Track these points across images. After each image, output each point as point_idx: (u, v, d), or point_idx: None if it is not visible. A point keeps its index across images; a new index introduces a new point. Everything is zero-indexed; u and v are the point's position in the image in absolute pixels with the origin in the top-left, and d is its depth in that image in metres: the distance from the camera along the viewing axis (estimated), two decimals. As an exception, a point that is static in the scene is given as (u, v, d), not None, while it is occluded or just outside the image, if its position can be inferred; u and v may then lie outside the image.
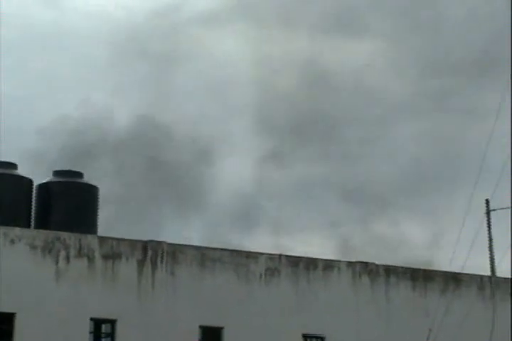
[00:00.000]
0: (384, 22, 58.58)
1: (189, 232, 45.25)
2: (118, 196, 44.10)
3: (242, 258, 35.94)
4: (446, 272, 38.69)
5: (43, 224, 35.66)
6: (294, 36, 57.46)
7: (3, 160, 36.93)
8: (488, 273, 34.33)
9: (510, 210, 33.65)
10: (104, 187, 38.63)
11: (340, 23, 58.19)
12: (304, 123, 53.68)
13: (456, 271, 38.22)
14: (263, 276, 36.09)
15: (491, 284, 35.80)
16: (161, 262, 34.67)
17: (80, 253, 33.52)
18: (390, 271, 38.25)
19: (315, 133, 54.51)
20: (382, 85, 58.12)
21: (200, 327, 34.74)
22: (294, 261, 36.84)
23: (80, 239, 33.67)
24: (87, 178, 37.87)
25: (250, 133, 53.65)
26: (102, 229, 37.27)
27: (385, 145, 56.04)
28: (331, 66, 55.41)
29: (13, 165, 36.87)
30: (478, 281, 38.96)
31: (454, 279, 38.83)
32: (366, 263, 38.04)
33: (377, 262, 38.58)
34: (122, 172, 46.75)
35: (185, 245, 35.64)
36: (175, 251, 34.99)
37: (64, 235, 33.51)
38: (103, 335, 33.74)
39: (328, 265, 37.38)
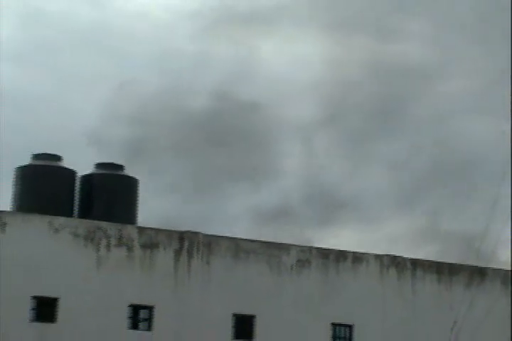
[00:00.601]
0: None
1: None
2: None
3: (274, 250, 35.85)
4: (471, 266, 38.53)
5: (85, 214, 35.97)
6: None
7: (48, 152, 37.26)
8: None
9: None
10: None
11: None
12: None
13: (481, 265, 38.13)
14: (294, 267, 36.00)
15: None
16: (197, 252, 34.77)
17: (119, 242, 33.74)
18: (416, 264, 38.22)
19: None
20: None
21: (234, 315, 34.84)
22: (324, 253, 36.66)
23: (120, 229, 33.92)
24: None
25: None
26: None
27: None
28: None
29: (58, 157, 37.15)
30: (502, 275, 38.38)
31: (478, 273, 38.40)
32: (394, 256, 37.93)
33: (404, 255, 38.26)
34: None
35: (220, 236, 35.68)
36: (210, 242, 35.07)
37: (105, 225, 33.74)
38: (141, 321, 33.83)
39: (357, 257, 37.28)
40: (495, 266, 38.41)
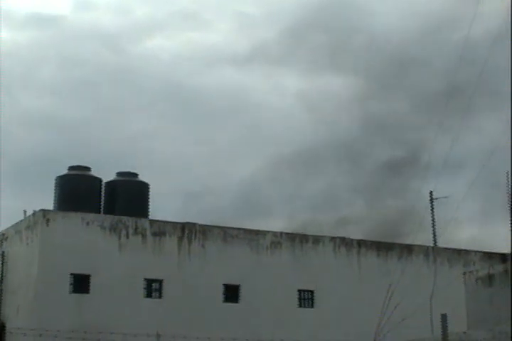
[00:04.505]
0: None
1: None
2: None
3: (253, 235, 35.77)
4: (401, 244, 38.20)
5: (109, 210, 35.93)
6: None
7: (79, 164, 37.10)
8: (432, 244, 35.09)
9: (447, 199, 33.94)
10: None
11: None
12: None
13: (409, 243, 37.84)
14: (269, 248, 35.94)
15: (433, 252, 36.59)
16: (195, 238, 34.73)
17: (136, 232, 33.77)
18: (361, 243, 37.81)
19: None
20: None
21: (223, 284, 34.67)
22: (292, 237, 36.60)
23: (136, 221, 33.96)
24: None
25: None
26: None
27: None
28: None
29: (88, 168, 36.97)
30: (424, 250, 37.78)
31: (407, 249, 38.27)
32: (344, 238, 37.67)
33: (351, 237, 38.05)
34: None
35: (213, 225, 35.50)
36: (205, 230, 34.99)
37: (124, 219, 33.83)
38: (153, 290, 33.65)
39: (316, 239, 36.99)
40: (420, 243, 37.76)
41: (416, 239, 34.65)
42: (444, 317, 18.26)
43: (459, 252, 39.40)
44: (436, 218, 32.69)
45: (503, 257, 38.04)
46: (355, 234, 39.45)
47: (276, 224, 43.28)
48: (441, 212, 34.20)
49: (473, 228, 43.94)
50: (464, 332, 19.94)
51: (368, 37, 49.25)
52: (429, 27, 46.18)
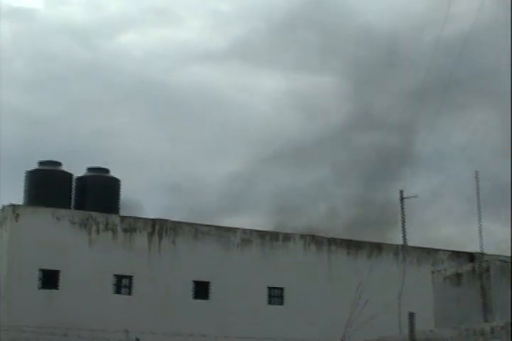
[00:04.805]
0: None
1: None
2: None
3: (223, 232, 35.84)
4: (371, 242, 38.43)
5: (79, 206, 35.86)
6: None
7: (51, 159, 36.84)
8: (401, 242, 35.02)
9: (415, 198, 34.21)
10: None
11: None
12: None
13: (379, 241, 38.49)
14: (239, 245, 35.92)
15: (402, 251, 37.10)
16: (166, 234, 34.66)
17: (106, 228, 33.74)
18: (331, 241, 37.83)
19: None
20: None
21: (193, 281, 34.72)
22: (262, 234, 36.64)
23: (106, 217, 33.92)
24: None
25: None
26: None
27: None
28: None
29: (58, 163, 36.83)
30: (394, 249, 38.22)
31: (377, 247, 38.48)
32: (314, 236, 37.67)
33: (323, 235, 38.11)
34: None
35: (184, 222, 35.47)
36: (176, 227, 34.98)
37: (95, 214, 33.75)
38: (123, 287, 33.75)
39: (287, 237, 37.03)
40: (389, 242, 38.62)
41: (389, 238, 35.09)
42: (411, 315, 18.45)
43: (428, 251, 39.57)
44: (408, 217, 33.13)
45: (471, 256, 38.54)
46: (333, 231, 39.65)
47: (247, 221, 43.36)
48: (415, 211, 34.61)
49: (444, 227, 44.51)
50: (431, 331, 20.16)
51: (347, 33, 49.31)
52: (413, 25, 46.08)
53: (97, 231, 33.58)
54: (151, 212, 37.56)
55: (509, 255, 34.73)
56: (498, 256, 32.39)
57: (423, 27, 43.12)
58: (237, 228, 36.59)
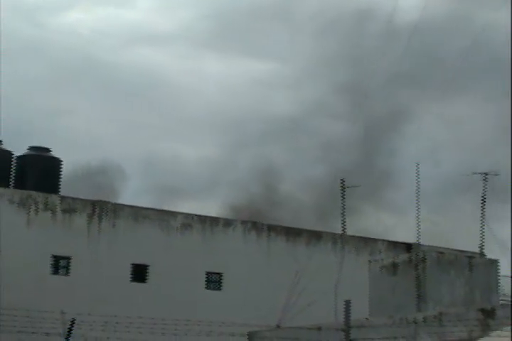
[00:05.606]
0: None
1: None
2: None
3: (164, 216, 35.84)
4: (310, 230, 38.67)
5: (19, 185, 35.55)
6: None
7: None
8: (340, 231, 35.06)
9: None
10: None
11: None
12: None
13: (318, 230, 38.90)
14: (179, 229, 35.88)
15: (341, 240, 37.50)
16: (106, 216, 34.62)
17: (46, 208, 33.59)
18: (271, 228, 38.09)
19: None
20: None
21: (132, 264, 34.68)
22: (202, 219, 36.68)
23: (46, 197, 33.74)
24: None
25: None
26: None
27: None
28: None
29: None
30: (333, 237, 38.42)
31: (316, 235, 38.73)
32: (254, 222, 37.86)
33: (262, 221, 38.42)
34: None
35: (125, 204, 35.52)
36: (116, 209, 34.97)
37: (34, 194, 33.58)
38: (60, 268, 33.68)
39: (227, 222, 37.26)
40: (328, 231, 38.97)
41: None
42: (347, 303, 18.86)
43: (366, 240, 40.08)
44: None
45: (407, 246, 39.18)
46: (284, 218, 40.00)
47: (188, 206, 43.34)
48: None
49: (382, 217, 45.15)
50: (366, 319, 20.59)
51: (295, 20, 49.58)
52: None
53: (36, 211, 33.37)
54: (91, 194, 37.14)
55: (445, 246, 35.54)
56: (435, 247, 32.95)
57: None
58: (178, 212, 36.74)
